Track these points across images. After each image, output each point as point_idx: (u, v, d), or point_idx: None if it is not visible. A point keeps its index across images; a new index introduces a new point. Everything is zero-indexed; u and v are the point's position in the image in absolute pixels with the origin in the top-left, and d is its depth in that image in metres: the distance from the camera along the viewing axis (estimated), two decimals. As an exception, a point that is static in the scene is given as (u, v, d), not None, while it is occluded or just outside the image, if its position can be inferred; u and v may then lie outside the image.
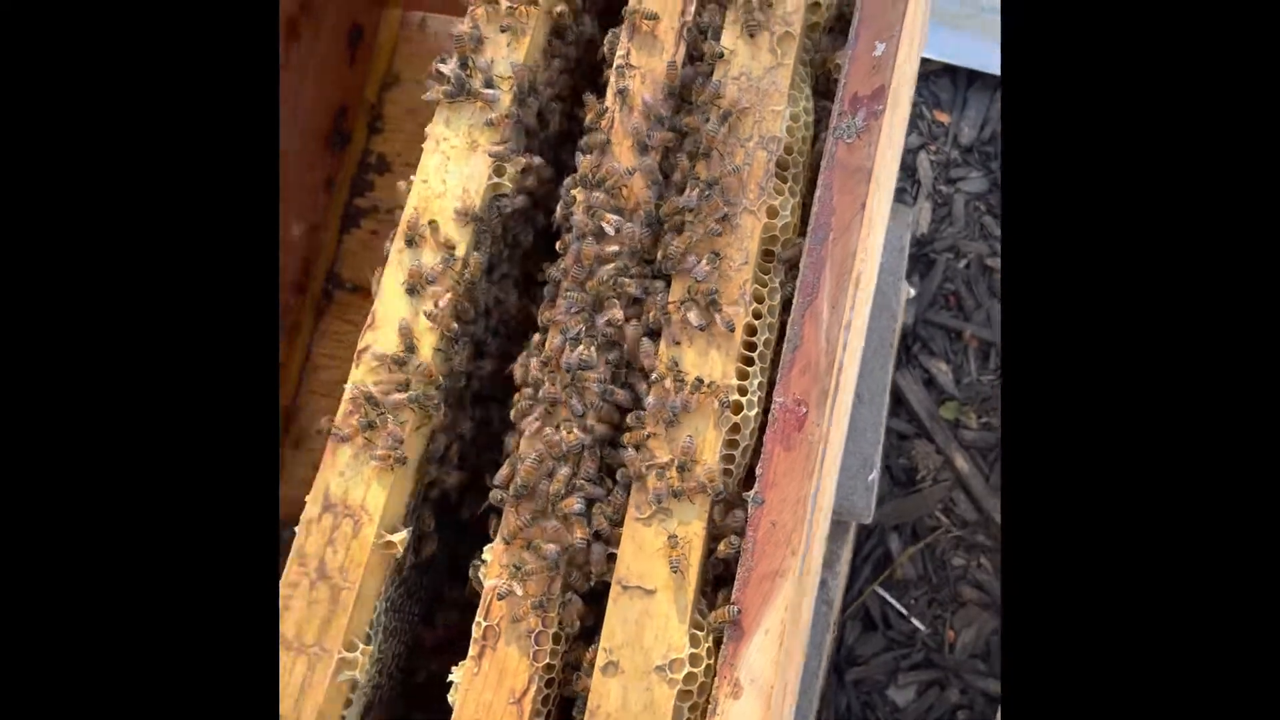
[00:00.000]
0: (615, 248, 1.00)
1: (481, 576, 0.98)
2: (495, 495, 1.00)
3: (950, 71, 2.23)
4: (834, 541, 1.67)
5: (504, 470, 1.01)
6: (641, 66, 1.05)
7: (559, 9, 1.13)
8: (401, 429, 1.00)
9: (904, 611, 2.00)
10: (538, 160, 1.09)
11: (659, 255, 1.01)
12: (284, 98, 1.52)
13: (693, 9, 1.05)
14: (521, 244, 1.17)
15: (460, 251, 1.05)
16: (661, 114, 1.02)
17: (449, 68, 1.07)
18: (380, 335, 1.03)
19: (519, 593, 0.95)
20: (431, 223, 1.05)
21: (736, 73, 1.03)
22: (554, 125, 1.16)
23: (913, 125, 2.18)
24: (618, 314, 0.99)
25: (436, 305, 1.02)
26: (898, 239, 1.69)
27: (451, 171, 1.07)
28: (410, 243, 1.04)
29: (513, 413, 1.01)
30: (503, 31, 1.09)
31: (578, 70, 1.19)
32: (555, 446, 0.97)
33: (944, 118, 2.21)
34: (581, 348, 0.98)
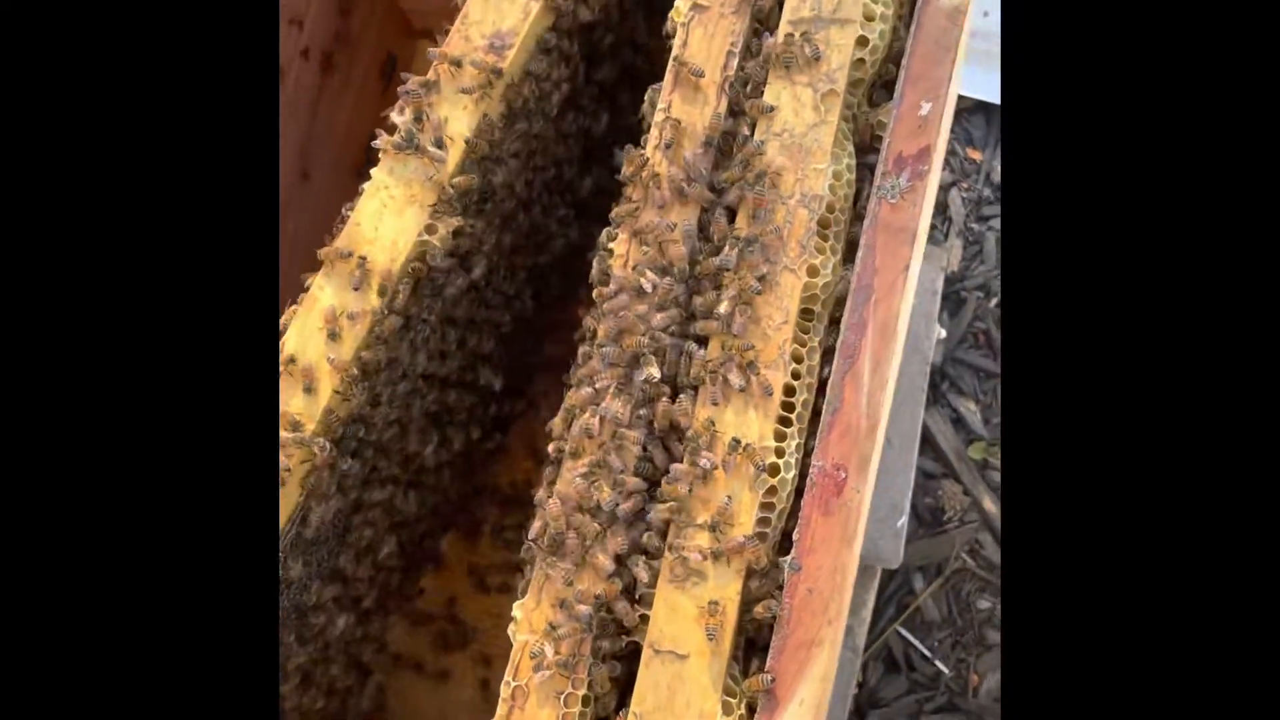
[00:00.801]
0: (655, 305, 0.99)
1: (511, 634, 0.97)
2: (526, 549, 0.99)
3: (983, 109, 2.21)
4: (859, 586, 1.65)
5: (536, 524, 0.99)
6: (683, 119, 1.04)
7: (526, 89, 1.13)
8: (288, 461, 1.02)
9: (928, 654, 1.97)
10: (469, 224, 1.09)
11: (696, 312, 1.00)
12: (320, 125, 1.53)
13: (735, 64, 1.04)
14: (444, 298, 1.17)
15: (374, 303, 1.05)
16: (702, 169, 1.01)
17: (402, 119, 1.07)
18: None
19: (549, 654, 0.93)
20: (361, 258, 1.05)
21: (779, 129, 1.01)
22: (509, 189, 1.17)
23: (945, 162, 2.17)
24: (654, 371, 0.97)
25: (339, 351, 1.03)
26: (930, 281, 1.67)
27: (386, 221, 1.06)
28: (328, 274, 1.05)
29: (547, 470, 1.00)
30: (462, 93, 1.09)
31: (538, 140, 1.19)
32: (588, 500, 0.96)
33: (976, 155, 2.20)
34: (618, 404, 0.97)
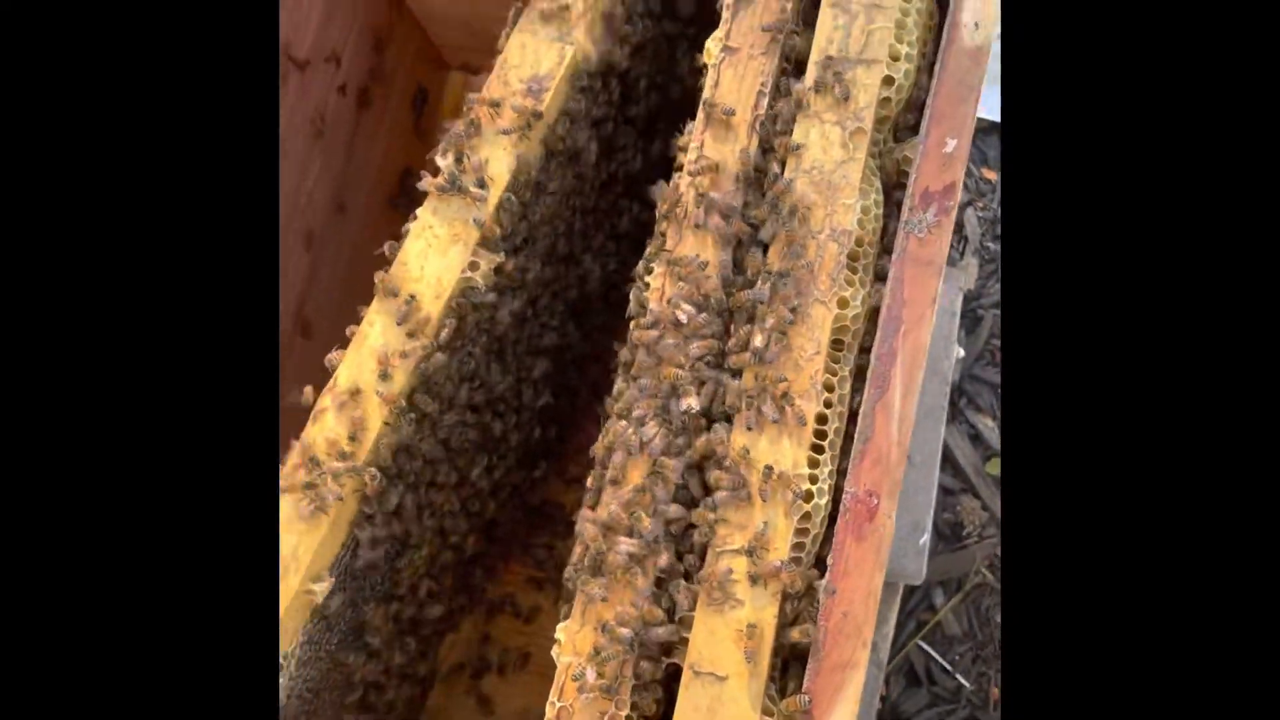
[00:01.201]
0: (690, 336, 1.03)
1: (555, 655, 1.01)
2: (567, 576, 1.02)
3: (998, 129, 2.24)
4: (883, 603, 1.68)
5: (577, 549, 1.03)
6: (715, 157, 1.08)
7: (563, 126, 1.17)
8: (340, 489, 1.06)
9: (948, 667, 2.00)
10: (511, 261, 1.14)
11: (730, 344, 1.03)
12: (356, 159, 1.57)
13: (765, 103, 1.08)
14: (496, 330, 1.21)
15: (427, 339, 1.08)
16: (734, 206, 1.05)
17: (445, 162, 1.11)
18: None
19: (591, 678, 0.97)
20: (411, 298, 1.09)
21: (808, 166, 1.05)
22: (544, 227, 1.21)
23: (960, 182, 2.20)
24: (693, 402, 1.01)
25: (389, 386, 1.07)
26: (949, 303, 1.70)
27: (431, 260, 1.10)
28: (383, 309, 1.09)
29: (587, 496, 1.04)
30: (502, 134, 1.13)
31: (577, 175, 1.23)
32: (629, 526, 0.99)
33: (991, 175, 2.23)
34: (656, 433, 1.01)
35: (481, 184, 1.11)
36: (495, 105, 1.12)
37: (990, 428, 2.09)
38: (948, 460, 2.08)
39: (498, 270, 1.12)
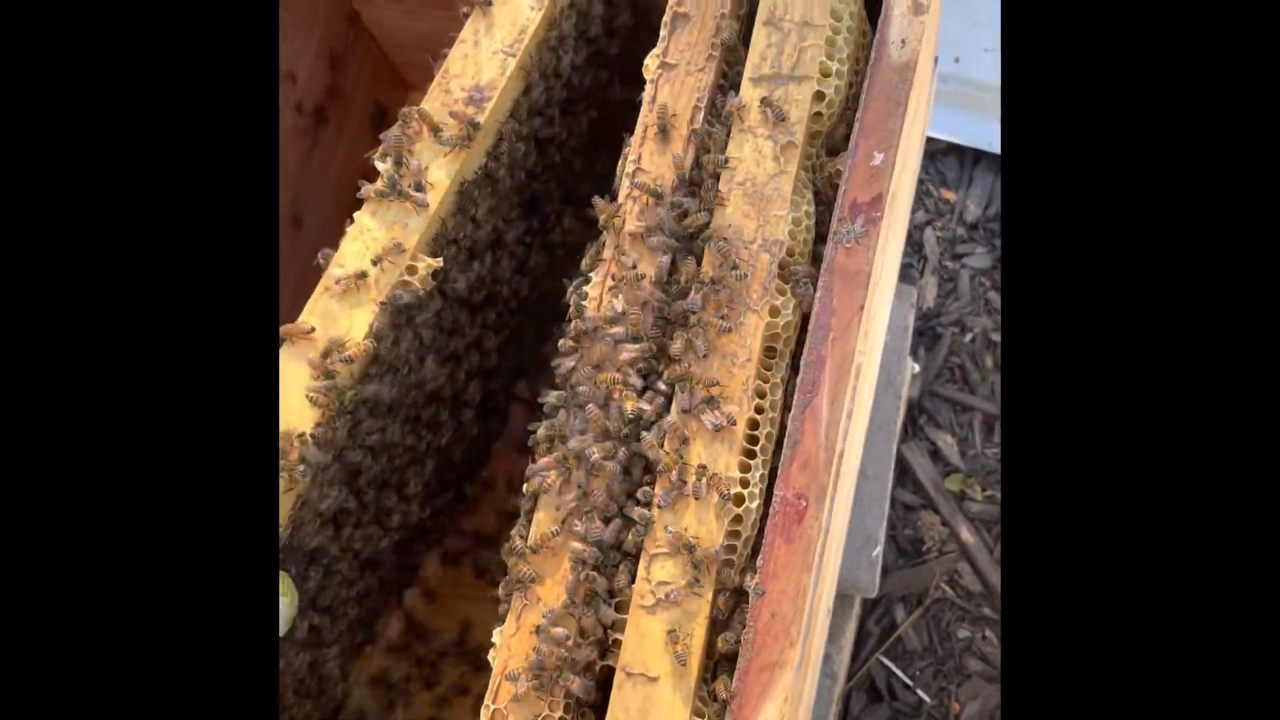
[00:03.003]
0: (627, 338, 1.05)
1: (490, 659, 1.02)
2: (504, 583, 1.04)
3: (957, 150, 2.29)
4: (838, 615, 1.69)
5: (512, 559, 1.04)
6: (652, 170, 1.10)
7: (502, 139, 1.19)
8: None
9: (909, 682, 2.01)
10: (443, 263, 1.16)
11: (666, 354, 1.06)
12: (313, 173, 1.60)
13: (701, 117, 1.11)
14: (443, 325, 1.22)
15: (359, 336, 1.10)
16: (668, 218, 1.08)
17: (384, 166, 1.13)
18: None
19: (525, 678, 0.98)
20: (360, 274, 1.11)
21: (742, 178, 1.08)
22: (483, 231, 1.23)
23: (919, 202, 2.24)
24: (628, 406, 1.03)
25: (319, 386, 1.07)
26: (902, 318, 1.73)
27: (367, 264, 1.12)
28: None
29: (523, 502, 1.06)
30: (441, 144, 1.15)
31: (514, 185, 1.26)
32: (566, 529, 1.01)
33: (950, 195, 2.27)
34: (591, 438, 1.03)
35: (420, 187, 1.13)
36: (434, 127, 1.15)
37: (949, 444, 2.12)
38: (908, 476, 2.10)
39: (435, 275, 1.14)
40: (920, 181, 2.26)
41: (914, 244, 2.23)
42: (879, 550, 1.65)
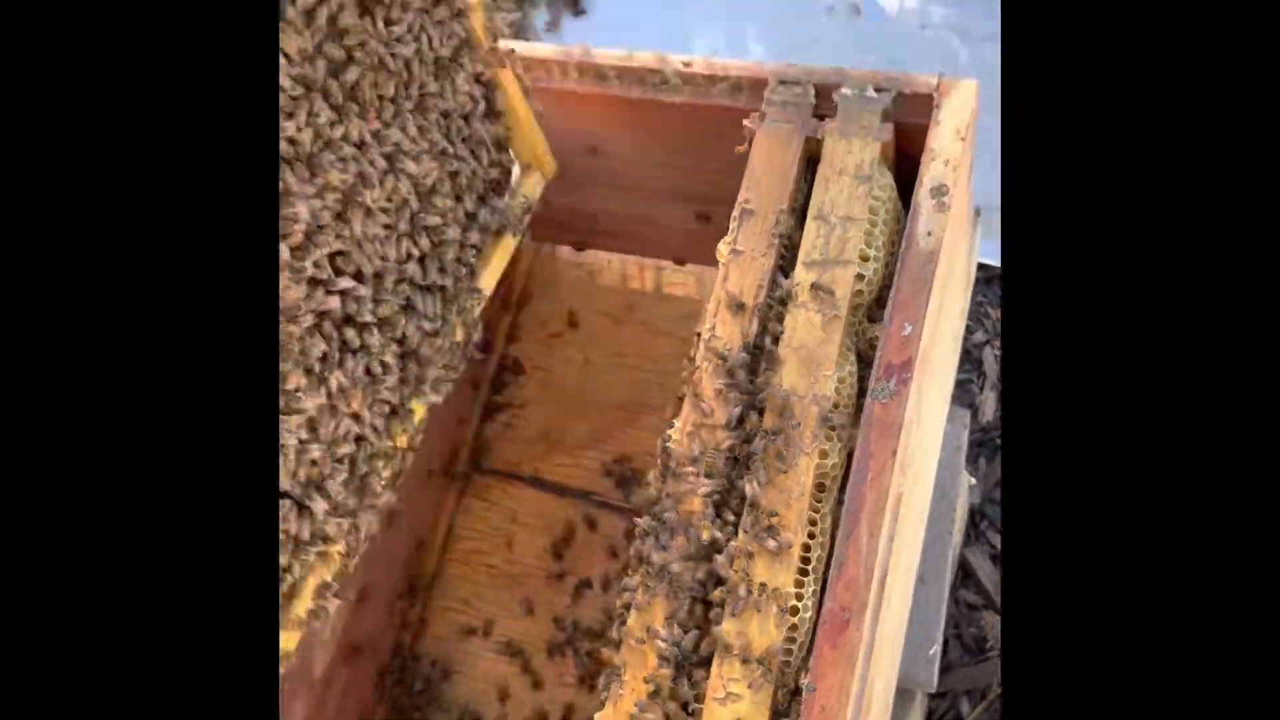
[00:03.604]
0: (703, 472, 1.30)
1: (593, 739, 1.26)
2: (605, 675, 1.28)
3: (1011, 275, 2.49)
4: (900, 709, 1.87)
5: (612, 638, 1.29)
6: (724, 337, 1.36)
7: None
8: None
9: (976, 772, 2.16)
10: None
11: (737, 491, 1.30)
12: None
13: (764, 295, 1.37)
14: None
15: None
16: (740, 377, 1.33)
17: None
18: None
19: (622, 756, 1.22)
20: None
21: (796, 345, 1.33)
22: None
23: (978, 324, 2.45)
24: (705, 534, 1.28)
25: None
26: (955, 438, 1.94)
27: None
28: None
29: (618, 610, 1.31)
30: None
31: None
32: (651, 635, 1.25)
33: (1006, 317, 2.47)
34: (676, 562, 1.27)
35: None
36: None
37: (1010, 548, 2.29)
38: (970, 578, 2.28)
39: None
40: (979, 304, 2.47)
41: (974, 361, 2.43)
42: (935, 649, 1.83)
